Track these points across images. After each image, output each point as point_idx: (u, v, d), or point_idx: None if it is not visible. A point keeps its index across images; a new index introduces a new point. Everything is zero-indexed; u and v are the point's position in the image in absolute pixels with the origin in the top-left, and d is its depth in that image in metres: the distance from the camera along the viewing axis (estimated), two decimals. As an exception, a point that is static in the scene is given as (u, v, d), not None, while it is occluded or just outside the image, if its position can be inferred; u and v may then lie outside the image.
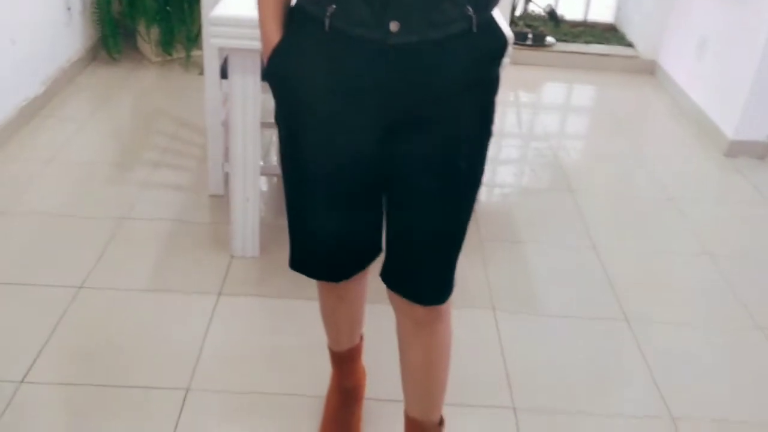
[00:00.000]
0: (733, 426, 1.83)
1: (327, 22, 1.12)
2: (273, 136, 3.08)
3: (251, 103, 2.12)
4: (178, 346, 1.94)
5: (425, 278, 1.30)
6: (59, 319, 2.00)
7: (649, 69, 4.13)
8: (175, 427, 1.69)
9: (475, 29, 1.13)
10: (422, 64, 1.12)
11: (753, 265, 2.51)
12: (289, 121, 1.25)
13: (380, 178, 1.26)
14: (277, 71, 1.22)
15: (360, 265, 1.40)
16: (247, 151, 2.18)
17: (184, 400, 1.77)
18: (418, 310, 1.33)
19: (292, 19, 1.21)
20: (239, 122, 2.15)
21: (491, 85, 1.21)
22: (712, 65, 3.46)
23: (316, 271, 1.42)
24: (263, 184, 2.78)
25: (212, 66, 2.44)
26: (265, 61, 1.24)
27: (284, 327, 2.05)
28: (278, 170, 2.78)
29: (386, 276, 1.34)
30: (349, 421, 1.67)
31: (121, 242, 2.36)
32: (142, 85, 3.57)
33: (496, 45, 1.19)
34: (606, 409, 1.85)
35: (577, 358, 2.02)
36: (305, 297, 2.11)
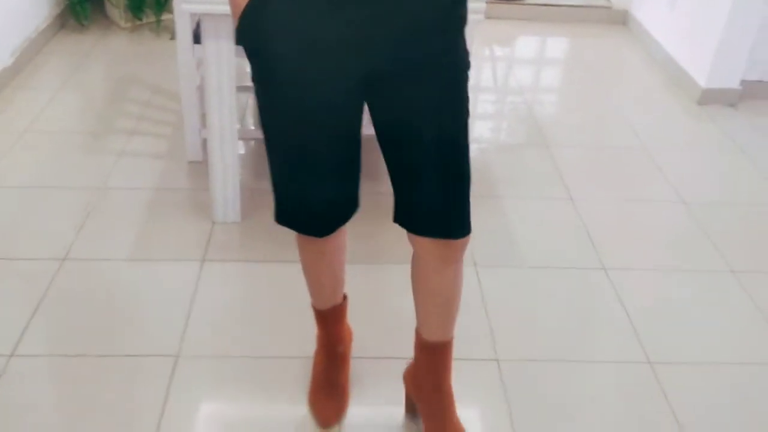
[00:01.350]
0: (708, 368, 1.90)
1: None
2: (249, 99, 3.06)
3: (226, 68, 2.11)
4: (165, 314, 1.96)
5: (450, 212, 1.36)
6: (45, 292, 2.00)
7: (622, 19, 4.14)
8: (167, 394, 1.72)
9: None
10: (387, 7, 1.19)
11: (726, 211, 2.56)
12: (265, 77, 1.29)
13: (358, 126, 1.34)
14: (248, 31, 1.25)
15: (343, 217, 1.45)
16: (223, 116, 2.18)
17: (174, 366, 1.80)
18: (447, 246, 1.40)
19: None
20: (214, 88, 2.13)
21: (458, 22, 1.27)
22: (683, 14, 3.47)
23: (302, 224, 1.46)
24: (241, 148, 2.78)
25: (184, 31, 2.41)
26: (235, 23, 1.26)
27: (269, 290, 2.07)
28: (256, 134, 2.78)
29: (408, 222, 1.39)
30: (337, 380, 1.71)
31: (101, 212, 2.36)
32: (113, 51, 3.52)
33: None
34: (586, 356, 1.90)
35: (558, 308, 2.07)
36: (288, 260, 2.12)
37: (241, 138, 2.59)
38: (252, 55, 1.28)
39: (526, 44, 4.04)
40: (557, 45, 4.05)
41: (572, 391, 1.80)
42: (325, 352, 1.73)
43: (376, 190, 2.26)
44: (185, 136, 2.62)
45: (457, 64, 1.29)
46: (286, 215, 1.44)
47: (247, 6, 1.23)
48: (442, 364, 1.56)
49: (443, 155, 1.31)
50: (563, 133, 3.03)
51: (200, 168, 2.60)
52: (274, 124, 1.34)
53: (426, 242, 1.40)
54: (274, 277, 2.11)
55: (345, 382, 1.72)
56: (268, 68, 1.27)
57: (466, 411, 1.66)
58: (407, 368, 1.65)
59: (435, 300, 1.50)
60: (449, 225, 1.37)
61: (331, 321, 1.70)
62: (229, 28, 2.05)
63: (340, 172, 1.38)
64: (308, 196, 1.39)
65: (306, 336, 1.84)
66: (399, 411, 1.70)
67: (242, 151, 2.77)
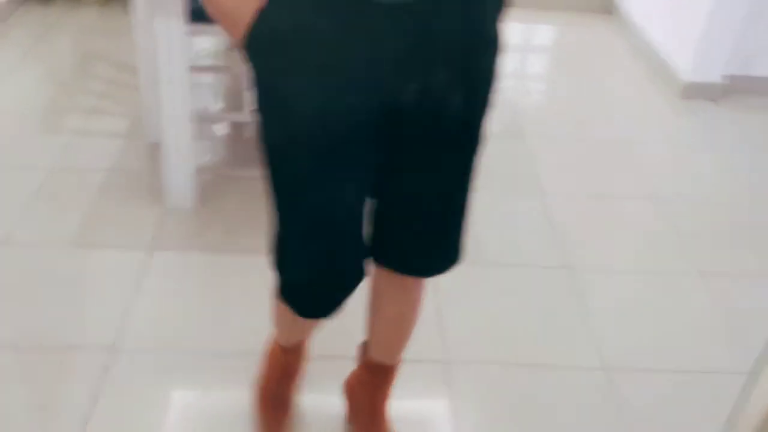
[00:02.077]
0: (664, 376, 1.83)
1: None
2: (203, 79, 2.96)
3: (178, 47, 2.01)
4: (105, 305, 1.88)
5: (439, 249, 1.23)
6: (-20, 277, 1.92)
7: (607, 8, 4.03)
8: (98, 390, 1.65)
9: None
10: (433, 23, 1.00)
11: (700, 210, 2.49)
12: (282, 112, 1.06)
13: (377, 159, 1.14)
14: (262, 55, 1.04)
15: (356, 286, 1.24)
16: (175, 96, 2.08)
17: (109, 361, 1.72)
18: (414, 279, 1.31)
19: None
20: (166, 67, 2.04)
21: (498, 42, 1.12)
22: (667, 4, 3.37)
23: (316, 299, 1.25)
24: (197, 132, 2.68)
25: (142, 4, 2.31)
26: (244, 20, 1.01)
27: (218, 282, 1.99)
28: (215, 116, 2.68)
29: (392, 261, 1.25)
30: (287, 394, 1.58)
31: (48, 194, 2.27)
32: (79, 26, 3.40)
33: None
34: (539, 360, 1.83)
35: (514, 309, 1.99)
36: (240, 251, 2.05)
37: (197, 120, 2.49)
38: (265, 82, 1.07)
39: (510, 30, 3.93)
40: (540, 32, 3.94)
41: (524, 397, 1.73)
42: (279, 371, 1.57)
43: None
44: (143, 116, 2.52)
45: (485, 112, 1.15)
46: (298, 290, 1.23)
47: (260, 24, 1.01)
48: (385, 385, 1.50)
49: (451, 201, 1.19)
50: (541, 123, 2.94)
51: (159, 150, 2.50)
52: (292, 171, 1.10)
53: (401, 277, 1.29)
54: (225, 269, 2.03)
55: (294, 393, 1.61)
56: (287, 101, 1.05)
57: (409, 415, 1.59)
58: (348, 378, 1.58)
59: (393, 326, 1.42)
60: (442, 263, 1.25)
61: (295, 351, 1.55)
62: (178, 4, 1.95)
63: (360, 226, 1.19)
64: (332, 261, 1.18)
65: (255, 332, 1.76)
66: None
67: (198, 137, 2.67)
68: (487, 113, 1.15)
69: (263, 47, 1.02)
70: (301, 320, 1.31)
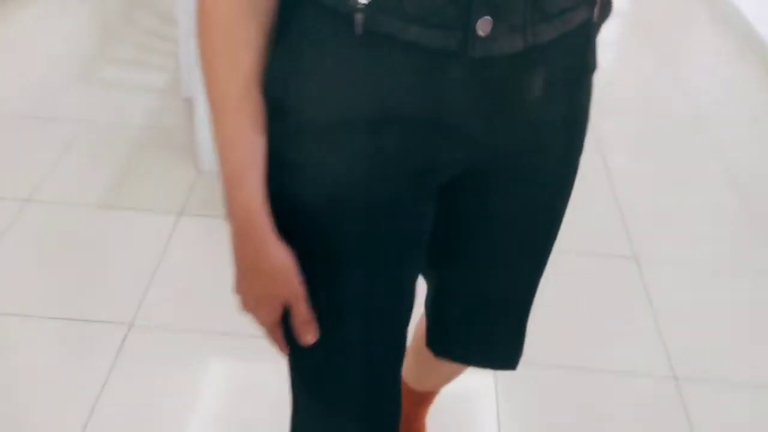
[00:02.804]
0: (738, 388, 1.61)
1: (359, 19, 0.64)
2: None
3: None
4: (126, 274, 1.74)
5: (507, 341, 0.97)
6: (0, 236, 1.80)
7: (692, -30, 3.70)
8: (111, 367, 1.51)
9: (595, 17, 0.76)
10: (521, 87, 0.70)
11: (787, 200, 2.23)
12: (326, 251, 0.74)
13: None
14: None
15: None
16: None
17: (126, 335, 1.58)
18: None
19: (289, 29, 0.69)
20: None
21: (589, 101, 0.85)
22: (762, -33, 3.05)
23: None
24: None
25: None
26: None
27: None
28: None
29: (448, 346, 0.99)
30: None
31: (79, 150, 2.14)
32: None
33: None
34: (599, 364, 1.63)
35: (573, 301, 1.79)
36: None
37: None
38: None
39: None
40: (615, -5, 3.65)
41: (579, 405, 1.54)
42: None
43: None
44: (181, 69, 2.37)
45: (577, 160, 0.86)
46: None
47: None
48: (423, 408, 1.31)
49: (533, 278, 0.92)
50: (610, 94, 2.68)
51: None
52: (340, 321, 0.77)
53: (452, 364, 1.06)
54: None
55: None
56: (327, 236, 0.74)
57: (452, 420, 1.42)
58: None
59: (448, 377, 1.20)
60: (519, 353, 0.98)
61: None
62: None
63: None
64: (377, 403, 0.84)
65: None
66: None
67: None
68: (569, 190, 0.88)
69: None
70: None
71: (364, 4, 0.62)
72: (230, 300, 1.67)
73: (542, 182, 0.83)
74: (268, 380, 1.50)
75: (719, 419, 1.53)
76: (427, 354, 1.08)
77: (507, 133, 0.74)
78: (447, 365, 1.11)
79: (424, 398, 1.29)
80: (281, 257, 0.70)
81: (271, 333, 0.77)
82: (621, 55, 3.09)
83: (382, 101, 0.66)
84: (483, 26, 0.63)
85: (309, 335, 0.74)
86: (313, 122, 0.68)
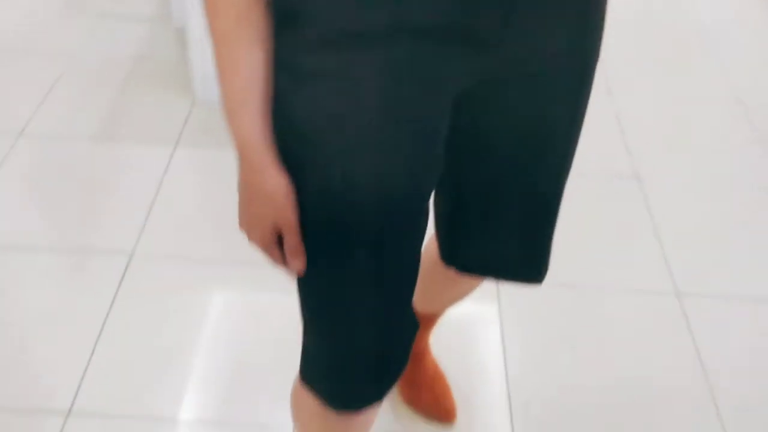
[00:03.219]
0: (738, 302, 1.62)
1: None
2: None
3: None
4: (125, 205, 1.72)
5: (527, 252, 0.94)
6: (-6, 171, 1.78)
7: None
8: (114, 295, 1.52)
9: None
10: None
11: (791, 116, 2.19)
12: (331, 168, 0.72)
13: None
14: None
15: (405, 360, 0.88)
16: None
17: (127, 266, 1.58)
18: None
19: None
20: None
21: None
22: None
23: (357, 382, 0.85)
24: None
25: None
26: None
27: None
28: None
29: (467, 258, 0.96)
30: None
31: (70, 82, 2.09)
32: None
33: None
34: (604, 281, 1.63)
35: (578, 220, 1.78)
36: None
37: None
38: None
39: None
40: None
41: (583, 319, 1.55)
42: None
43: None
44: (171, -3, 2.30)
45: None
46: (339, 368, 0.83)
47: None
48: (426, 331, 1.32)
49: (565, 169, 0.89)
50: (614, 11, 2.62)
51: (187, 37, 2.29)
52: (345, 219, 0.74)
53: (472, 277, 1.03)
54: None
55: None
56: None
57: (455, 335, 1.43)
58: None
59: (452, 302, 1.21)
60: (543, 266, 0.95)
61: None
62: None
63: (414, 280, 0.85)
64: (389, 327, 0.82)
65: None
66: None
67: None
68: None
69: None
70: (333, 427, 0.91)
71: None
72: (229, 228, 1.67)
73: (559, 91, 0.81)
74: (268, 307, 1.51)
75: (720, 332, 1.55)
76: (438, 273, 1.08)
77: (522, 38, 0.72)
78: (456, 284, 1.10)
79: (429, 320, 1.30)
80: (277, 183, 0.71)
81: (266, 253, 0.77)
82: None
83: (395, 7, 0.64)
84: None
85: (296, 263, 0.75)
86: (325, 32, 0.66)
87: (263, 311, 1.51)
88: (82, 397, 1.33)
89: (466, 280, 1.07)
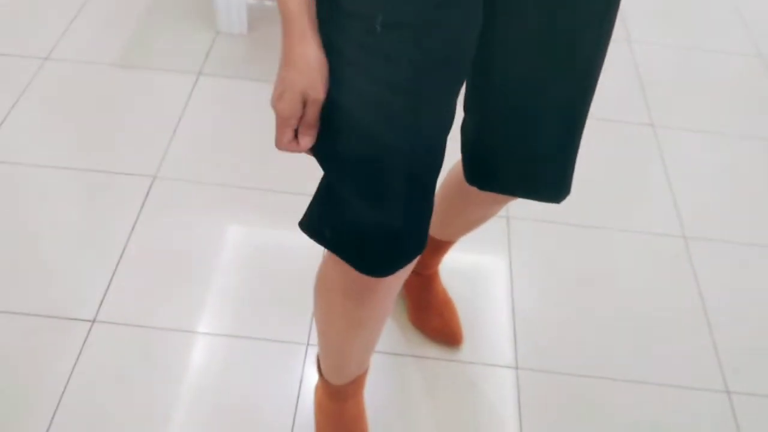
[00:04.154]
0: (741, 246, 1.65)
1: None
2: None
3: None
4: (148, 130, 1.77)
5: (567, 171, 0.96)
6: (21, 93, 1.82)
7: None
8: (138, 214, 1.57)
9: None
10: None
11: (810, 71, 2.19)
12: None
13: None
14: None
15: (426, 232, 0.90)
16: None
17: (149, 188, 1.63)
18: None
19: None
20: None
21: None
22: None
23: (379, 239, 0.85)
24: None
25: None
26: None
27: (267, 115, 1.85)
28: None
29: (491, 176, 0.99)
30: None
31: (95, 9, 2.12)
32: None
33: None
34: (615, 222, 1.67)
35: (589, 165, 1.81)
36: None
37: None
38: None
39: None
40: None
41: (591, 260, 1.59)
42: (333, 428, 1.22)
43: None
44: (196, -71, 2.30)
45: None
46: (367, 233, 0.84)
47: None
48: (438, 256, 1.37)
49: (588, 90, 0.91)
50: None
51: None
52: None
53: (506, 197, 1.05)
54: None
55: None
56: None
57: (465, 269, 1.48)
58: None
59: (471, 226, 1.24)
60: (564, 187, 0.97)
61: (344, 396, 1.19)
62: None
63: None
64: (411, 202, 0.84)
65: (295, 171, 1.64)
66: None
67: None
68: None
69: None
70: (356, 311, 0.97)
71: None
72: (248, 155, 1.71)
73: (584, 14, 0.84)
74: (282, 229, 1.56)
75: (722, 274, 1.59)
76: (459, 195, 1.12)
77: None
78: (475, 207, 1.14)
79: (441, 247, 1.34)
80: (317, 54, 0.75)
81: (283, 124, 0.79)
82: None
83: None
84: None
85: (306, 139, 0.80)
86: None
87: (278, 234, 1.56)
88: (107, 307, 1.39)
89: (485, 202, 1.11)
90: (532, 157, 0.94)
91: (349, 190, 0.83)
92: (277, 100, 0.78)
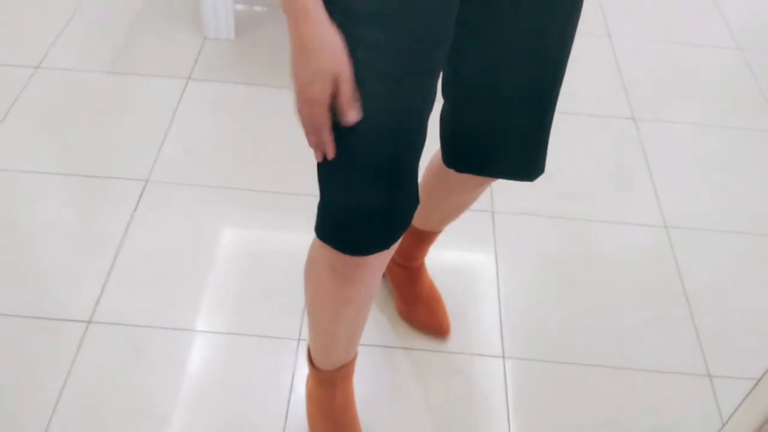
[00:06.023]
0: (721, 235, 1.70)
1: None
2: None
3: None
4: (139, 135, 1.80)
5: (540, 150, 1.02)
6: (14, 102, 1.85)
7: None
8: (131, 216, 1.60)
9: None
10: None
11: (787, 62, 2.24)
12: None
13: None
14: None
15: (414, 207, 0.95)
16: None
17: (142, 191, 1.66)
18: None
19: None
20: None
21: None
22: None
23: (372, 220, 0.90)
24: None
25: None
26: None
27: (254, 117, 1.89)
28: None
29: (468, 158, 1.04)
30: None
31: (85, 18, 2.15)
32: None
33: None
34: (597, 214, 1.71)
35: (573, 157, 1.85)
36: (281, 85, 1.93)
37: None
38: None
39: None
40: None
41: (578, 250, 1.63)
42: (324, 416, 1.26)
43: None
44: (182, -63, 2.34)
45: None
46: (351, 217, 0.90)
47: None
48: (424, 245, 1.40)
49: (557, 71, 0.96)
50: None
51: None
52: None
53: (484, 180, 1.11)
54: (263, 103, 1.92)
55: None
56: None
57: (452, 263, 1.51)
58: None
59: (453, 212, 1.28)
60: (536, 166, 1.03)
61: (333, 383, 1.23)
62: None
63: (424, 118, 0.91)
64: (394, 182, 0.89)
65: (283, 172, 1.67)
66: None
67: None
68: None
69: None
70: (343, 289, 1.02)
71: None
72: (238, 157, 1.74)
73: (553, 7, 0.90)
74: (273, 229, 1.59)
75: (702, 261, 1.63)
76: (439, 182, 1.17)
77: None
78: (456, 193, 1.19)
79: (426, 239, 1.38)
80: (332, 35, 0.77)
81: (318, 112, 0.80)
82: None
83: None
84: None
85: (353, 112, 0.81)
86: None
87: (269, 233, 1.59)
88: (102, 308, 1.43)
89: (465, 186, 1.15)
90: (505, 137, 0.99)
91: (331, 171, 0.87)
92: (309, 87, 0.78)
